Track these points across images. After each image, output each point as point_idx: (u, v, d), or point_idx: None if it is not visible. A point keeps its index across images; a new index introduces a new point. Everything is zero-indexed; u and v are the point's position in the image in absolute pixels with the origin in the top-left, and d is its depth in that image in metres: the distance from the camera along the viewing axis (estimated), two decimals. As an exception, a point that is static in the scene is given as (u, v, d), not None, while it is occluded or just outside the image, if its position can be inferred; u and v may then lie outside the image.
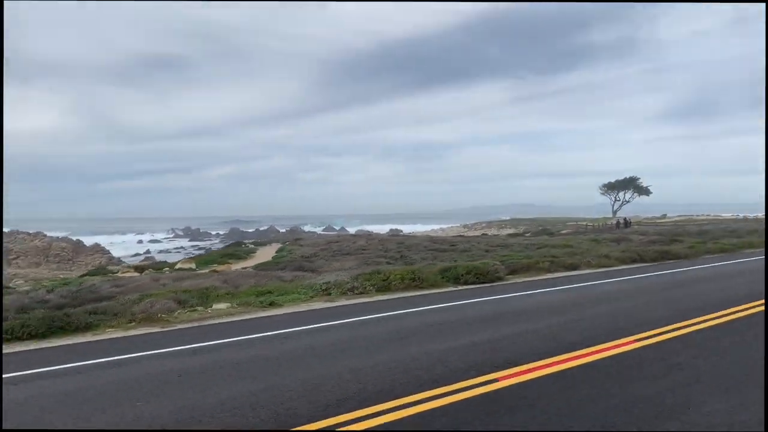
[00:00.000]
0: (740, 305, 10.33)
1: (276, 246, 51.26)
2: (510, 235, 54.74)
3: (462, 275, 15.10)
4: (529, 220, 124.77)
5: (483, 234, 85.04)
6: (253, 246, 55.44)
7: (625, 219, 77.95)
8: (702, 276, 15.96)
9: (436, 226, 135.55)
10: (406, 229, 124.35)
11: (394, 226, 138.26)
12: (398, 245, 33.53)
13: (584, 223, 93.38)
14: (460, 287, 14.72)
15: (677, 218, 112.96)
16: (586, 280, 15.46)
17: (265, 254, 42.28)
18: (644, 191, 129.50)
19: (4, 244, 55.14)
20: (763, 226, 53.87)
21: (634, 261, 19.28)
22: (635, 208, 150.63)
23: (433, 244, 33.38)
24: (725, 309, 10.02)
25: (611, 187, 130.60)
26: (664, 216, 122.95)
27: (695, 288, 13.54)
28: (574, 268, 17.96)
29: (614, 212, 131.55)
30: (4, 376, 7.22)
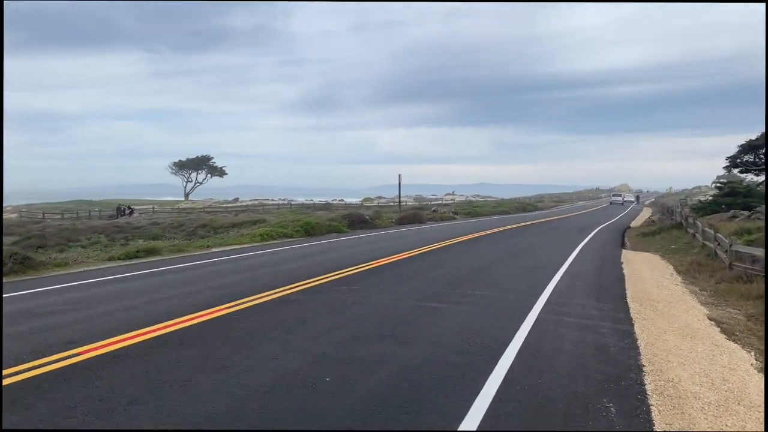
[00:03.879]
0: None
1: None
2: None
3: None
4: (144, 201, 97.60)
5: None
6: None
7: (129, 207, 60.76)
8: None
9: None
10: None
11: None
12: None
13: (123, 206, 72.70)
14: None
15: (249, 202, 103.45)
16: None
17: None
18: (219, 172, 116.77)
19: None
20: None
21: None
22: (212, 190, 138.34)
23: None
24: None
25: (182, 167, 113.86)
26: (236, 200, 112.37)
27: None
28: None
29: (186, 194, 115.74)
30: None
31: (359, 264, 13.32)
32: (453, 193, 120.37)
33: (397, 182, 42.56)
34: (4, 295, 9.34)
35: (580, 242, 20.89)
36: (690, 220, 22.07)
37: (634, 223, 37.58)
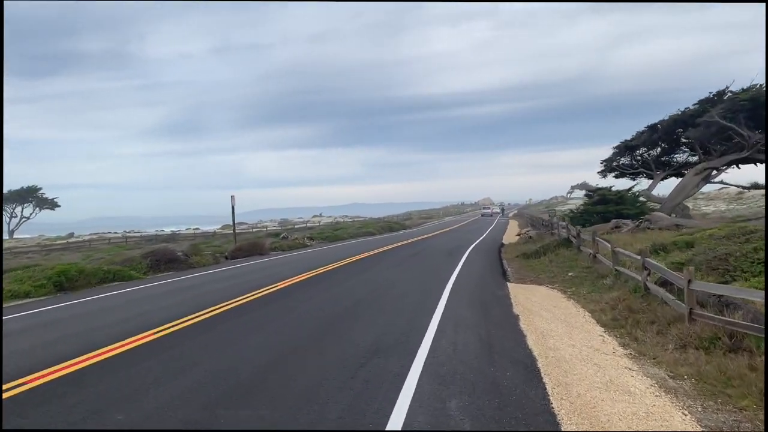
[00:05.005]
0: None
1: None
2: None
3: None
4: None
5: None
6: None
7: None
8: None
9: None
10: None
11: None
12: None
13: None
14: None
15: (87, 237, 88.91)
16: None
17: None
18: (49, 204, 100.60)
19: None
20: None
21: None
22: (51, 225, 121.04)
23: None
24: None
25: (5, 200, 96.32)
26: (71, 235, 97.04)
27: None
28: None
29: (11, 231, 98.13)
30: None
31: None
32: (320, 215, 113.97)
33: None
34: None
35: (450, 276, 15.06)
36: (585, 236, 17.16)
37: (507, 239, 33.31)
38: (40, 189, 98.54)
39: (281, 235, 35.43)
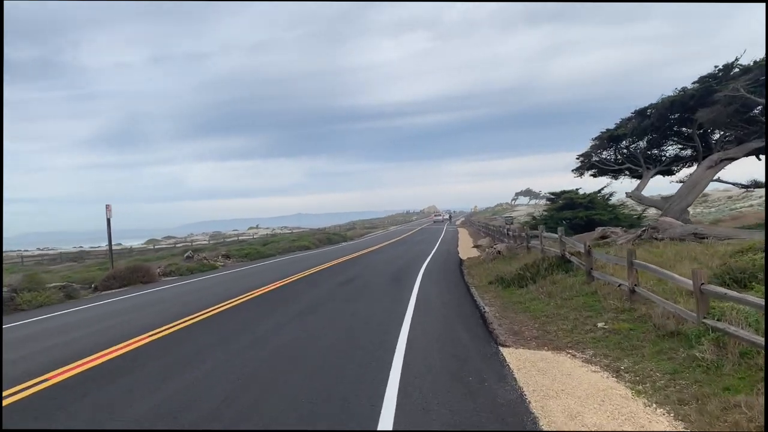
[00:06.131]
0: None
1: None
2: None
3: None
4: None
5: None
6: None
7: None
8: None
9: None
10: None
11: None
12: None
13: None
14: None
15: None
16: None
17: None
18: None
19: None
20: None
21: None
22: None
23: None
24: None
25: None
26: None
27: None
28: None
29: None
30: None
31: None
32: (257, 227, 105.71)
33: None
34: None
35: (397, 336, 8.66)
36: (600, 255, 11.03)
37: (464, 252, 27.43)
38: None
39: (186, 254, 28.13)
